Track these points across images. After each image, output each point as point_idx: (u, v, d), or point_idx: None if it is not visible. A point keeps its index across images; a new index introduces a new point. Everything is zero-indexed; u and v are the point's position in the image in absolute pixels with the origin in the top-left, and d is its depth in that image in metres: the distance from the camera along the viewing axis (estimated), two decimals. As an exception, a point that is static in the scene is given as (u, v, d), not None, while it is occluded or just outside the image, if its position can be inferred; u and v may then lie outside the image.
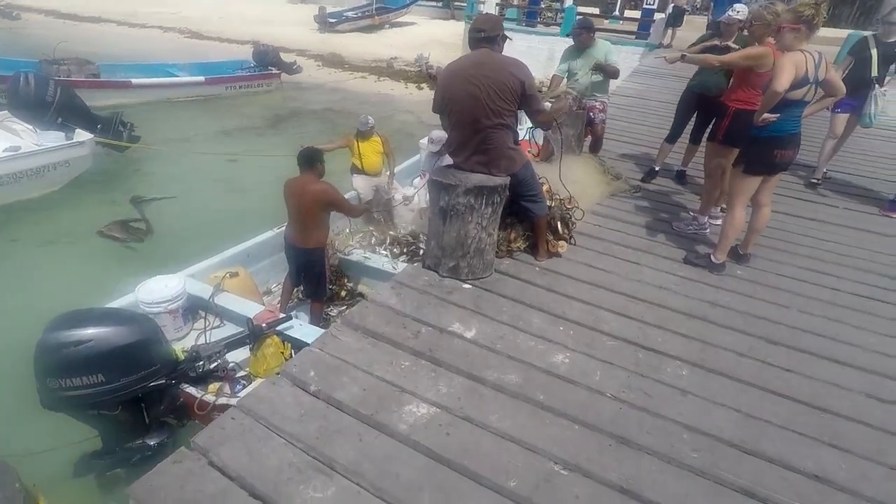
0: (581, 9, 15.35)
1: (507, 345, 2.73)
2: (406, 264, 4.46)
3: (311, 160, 3.70)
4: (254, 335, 3.17)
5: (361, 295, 4.75)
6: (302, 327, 3.35)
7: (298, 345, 3.30)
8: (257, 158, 7.74)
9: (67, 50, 10.85)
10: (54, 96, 6.26)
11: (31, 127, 6.27)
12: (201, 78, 11.67)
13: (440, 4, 26.85)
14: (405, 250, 5.31)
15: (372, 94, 13.96)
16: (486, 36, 2.96)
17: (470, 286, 3.23)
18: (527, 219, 3.53)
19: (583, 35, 4.79)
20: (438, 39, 19.48)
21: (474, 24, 3.05)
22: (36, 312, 4.20)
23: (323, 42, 18.73)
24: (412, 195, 5.78)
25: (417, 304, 3.01)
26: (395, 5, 22.99)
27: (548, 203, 3.56)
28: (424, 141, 6.38)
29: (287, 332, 3.30)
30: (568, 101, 5.04)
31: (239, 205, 6.21)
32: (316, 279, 3.97)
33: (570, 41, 5.16)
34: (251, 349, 3.25)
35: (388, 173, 5.85)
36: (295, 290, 4.28)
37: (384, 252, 5.27)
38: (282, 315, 3.37)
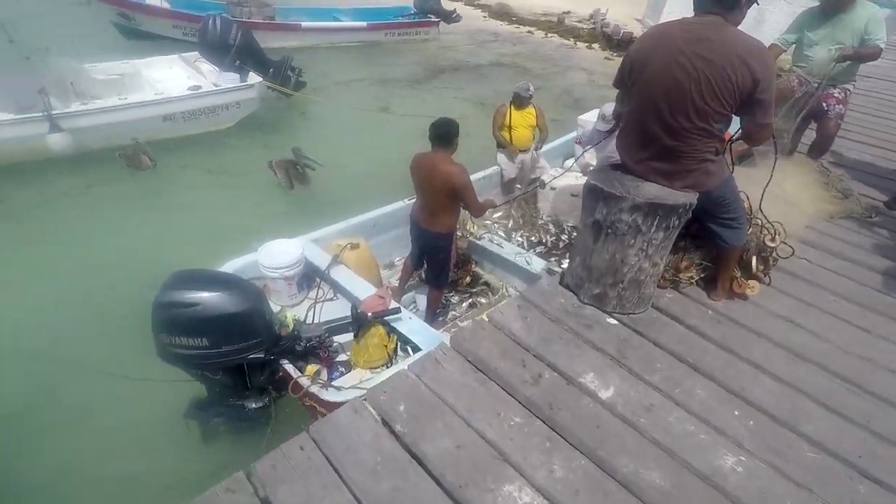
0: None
1: (655, 422, 2.03)
2: (542, 262, 3.87)
3: (446, 136, 3.18)
4: (358, 323, 2.93)
5: (487, 284, 4.32)
6: (411, 322, 3.01)
7: (404, 340, 3.01)
8: (411, 115, 7.56)
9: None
10: (235, 39, 6.57)
11: (214, 67, 6.76)
12: (363, 23, 11.66)
13: (629, -49, 23.83)
14: (544, 240, 4.72)
15: (541, 47, 12.94)
16: (726, 1, 2.04)
17: (616, 322, 2.53)
18: (708, 243, 2.66)
19: None
20: (619, -8, 17.32)
21: None
22: (186, 240, 4.62)
23: (493, -9, 17.80)
24: (559, 175, 5.05)
25: (546, 335, 2.42)
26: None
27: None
28: (586, 116, 5.49)
29: (394, 324, 2.99)
30: (791, 82, 3.82)
31: (382, 166, 6.08)
32: (439, 266, 3.57)
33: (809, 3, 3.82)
34: (355, 336, 3.02)
35: (536, 149, 5.16)
36: (415, 272, 3.95)
37: (520, 239, 4.72)
38: (391, 305, 3.04)
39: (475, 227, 4.37)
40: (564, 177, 5.03)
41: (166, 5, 9.73)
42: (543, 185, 4.57)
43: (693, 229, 2.60)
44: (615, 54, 12.47)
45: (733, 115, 2.11)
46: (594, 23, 13.83)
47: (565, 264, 4.44)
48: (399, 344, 3.08)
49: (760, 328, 2.57)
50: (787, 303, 2.75)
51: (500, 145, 5.01)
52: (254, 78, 6.65)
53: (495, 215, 4.92)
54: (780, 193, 3.27)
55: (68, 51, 5.71)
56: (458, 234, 4.05)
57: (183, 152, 6.08)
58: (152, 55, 7.10)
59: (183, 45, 8.72)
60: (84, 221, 4.87)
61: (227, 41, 6.50)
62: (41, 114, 5.06)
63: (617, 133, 2.48)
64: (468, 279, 4.30)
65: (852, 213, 3.57)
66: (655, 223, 2.25)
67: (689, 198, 2.24)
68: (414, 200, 3.60)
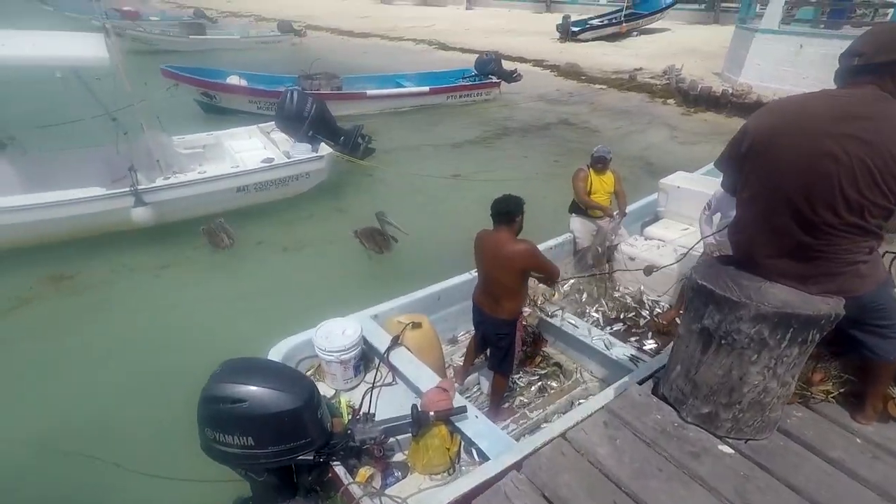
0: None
1: None
2: (624, 347, 3.43)
3: (507, 213, 2.93)
4: (418, 423, 2.61)
5: (559, 366, 3.88)
6: (478, 422, 2.65)
7: (468, 442, 2.64)
8: (480, 179, 7.44)
9: (325, 64, 12.44)
10: (310, 112, 6.89)
11: (288, 138, 7.10)
12: (426, 88, 11.97)
13: (701, 6, 23.45)
14: (622, 317, 4.28)
15: (614, 104, 12.65)
16: (872, 63, 1.64)
17: (732, 451, 2.03)
18: (851, 352, 2.12)
19: None
20: (694, 47, 16.89)
21: (867, 37, 1.72)
22: (253, 319, 4.55)
23: (562, 51, 18.01)
24: (639, 245, 4.59)
25: (640, 465, 1.97)
26: (648, 10, 20.86)
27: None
28: (669, 179, 5.05)
29: (459, 423, 2.64)
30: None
31: (452, 233, 5.94)
32: (503, 353, 3.22)
33: None
34: (413, 435, 2.69)
35: (615, 215, 4.76)
36: (479, 357, 3.61)
37: (595, 315, 4.27)
38: (455, 401, 2.71)
39: (547, 301, 4.00)
40: (644, 246, 4.60)
41: (244, 83, 10.56)
42: (650, 271, 3.98)
43: (832, 336, 2.08)
44: (692, 110, 11.94)
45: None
46: (668, 79, 13.43)
47: (648, 345, 3.99)
48: (463, 444, 2.72)
49: (934, 470, 1.95)
50: (967, 432, 2.11)
51: (586, 206, 4.62)
52: (324, 149, 6.85)
53: (565, 287, 4.52)
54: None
55: (157, 126, 6.10)
56: (527, 311, 3.70)
57: (256, 223, 6.24)
58: (230, 127, 7.55)
59: (259, 119, 9.24)
60: (152, 300, 4.96)
61: (301, 113, 6.81)
62: (128, 189, 5.39)
63: (731, 223, 2.07)
64: (538, 359, 3.90)
65: None
66: (788, 337, 1.79)
67: (835, 307, 1.76)
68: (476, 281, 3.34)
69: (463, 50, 18.43)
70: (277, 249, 5.88)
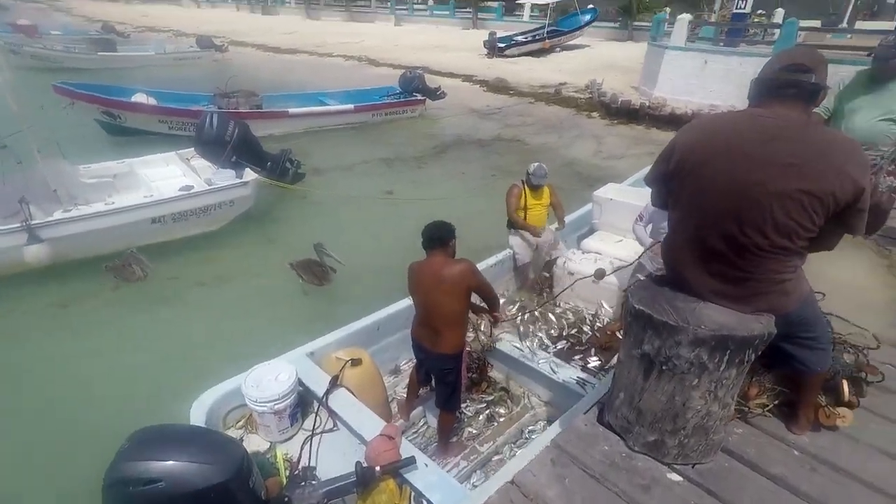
0: (802, 22, 12.46)
1: None
2: (570, 369, 3.40)
3: (439, 238, 2.83)
4: (363, 482, 2.37)
5: (505, 390, 3.78)
6: (428, 472, 2.43)
7: (420, 496, 2.42)
8: (415, 198, 7.31)
9: (250, 82, 11.96)
10: (232, 136, 6.38)
11: (210, 164, 6.60)
12: (351, 106, 11.79)
13: (616, 25, 24.93)
14: (565, 334, 4.25)
15: (543, 118, 12.99)
16: (807, 85, 1.64)
17: (680, 478, 1.98)
18: (782, 365, 2.15)
19: (893, 63, 3.15)
20: (612, 62, 17.86)
21: (786, 58, 1.70)
22: (171, 364, 4.13)
23: (489, 67, 18.44)
24: (577, 259, 4.63)
25: (593, 502, 1.87)
26: (568, 27, 21.88)
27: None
28: (602, 192, 5.15)
29: (407, 475, 2.43)
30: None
31: (387, 257, 5.74)
32: (449, 389, 3.06)
33: None
34: (358, 494, 2.46)
35: (557, 229, 4.77)
36: (423, 389, 3.44)
37: (539, 334, 4.22)
38: (403, 456, 2.49)
39: (488, 327, 3.90)
40: (582, 260, 4.63)
41: (152, 101, 9.86)
42: (601, 275, 3.97)
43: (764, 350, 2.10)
44: (615, 121, 12.53)
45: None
46: (591, 92, 14.06)
47: (592, 362, 3.97)
48: (413, 496, 2.51)
49: (860, 468, 2.00)
50: (893, 432, 2.19)
51: (516, 227, 4.63)
52: (249, 174, 6.44)
53: (508, 309, 4.45)
54: (838, 281, 2.81)
55: (56, 154, 5.54)
56: (470, 335, 3.58)
57: (175, 257, 5.76)
58: (141, 150, 6.97)
59: (171, 140, 8.72)
60: (51, 347, 4.41)
61: (222, 138, 6.33)
62: (19, 224, 4.79)
63: (663, 240, 2.04)
64: (484, 385, 3.78)
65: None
66: (726, 359, 1.76)
67: (767, 325, 1.76)
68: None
69: (393, 66, 18.41)
70: (200, 285, 5.44)
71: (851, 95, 3.32)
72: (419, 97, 12.79)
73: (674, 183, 1.84)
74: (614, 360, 3.92)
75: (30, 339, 4.50)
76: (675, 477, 1.99)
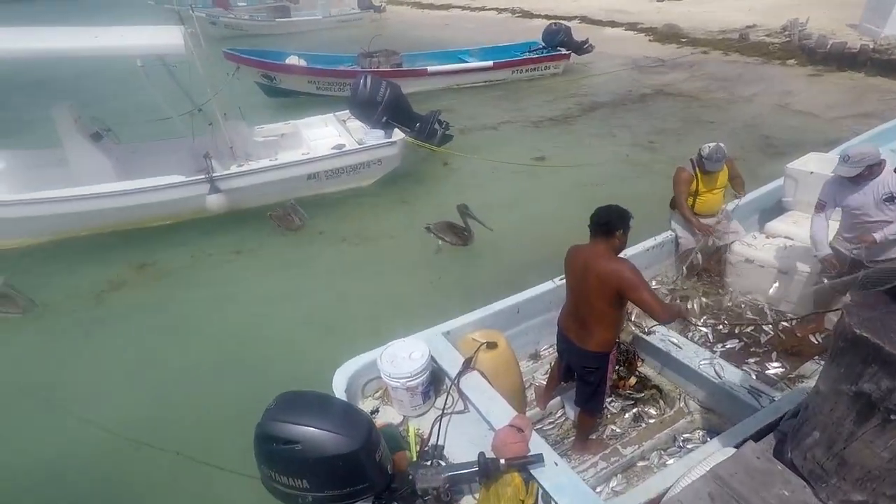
0: None
1: None
2: (738, 372, 2.92)
3: (606, 225, 2.45)
4: (486, 473, 2.29)
5: (658, 389, 3.34)
6: (557, 473, 2.24)
7: (547, 497, 2.26)
8: (566, 165, 6.85)
9: (406, 41, 12.16)
10: (383, 97, 6.59)
11: (362, 124, 6.92)
12: (489, 63, 11.39)
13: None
14: (737, 331, 3.65)
15: (716, 71, 11.16)
16: None
17: (891, 555, 1.51)
18: None
19: None
20: (823, -2, 14.50)
21: None
22: (325, 317, 4.45)
23: (659, 11, 16.35)
24: (759, 244, 3.86)
25: (759, 563, 1.52)
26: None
27: None
28: (797, 164, 4.20)
29: (535, 472, 2.28)
30: None
31: (534, 228, 5.48)
32: (591, 390, 2.78)
33: None
34: (481, 483, 2.39)
35: (727, 209, 4.03)
36: (563, 383, 3.20)
37: (704, 329, 3.69)
38: (531, 451, 2.34)
39: (643, 316, 3.45)
40: (764, 245, 3.87)
41: (303, 63, 10.53)
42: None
43: None
44: (822, 69, 10.18)
45: None
46: (789, 35, 11.61)
47: (773, 368, 3.33)
48: (540, 494, 2.37)
49: None
50: None
51: (686, 222, 3.97)
52: (397, 135, 6.59)
53: (664, 297, 3.92)
54: None
55: (237, 116, 6.18)
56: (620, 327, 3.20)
57: (328, 213, 6.19)
58: (293, 108, 7.56)
59: (318, 99, 9.31)
60: (225, 290, 5.02)
61: (374, 99, 6.55)
62: (203, 176, 5.51)
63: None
64: (633, 381, 3.33)
65: None
66: None
67: None
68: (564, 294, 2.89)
69: (548, 17, 17.30)
70: (351, 241, 5.77)
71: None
72: (564, 51, 11.92)
73: None
74: (803, 368, 3.29)
75: (209, 278, 5.21)
76: (886, 553, 1.52)
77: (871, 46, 9.67)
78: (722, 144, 3.67)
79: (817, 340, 3.45)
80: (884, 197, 2.94)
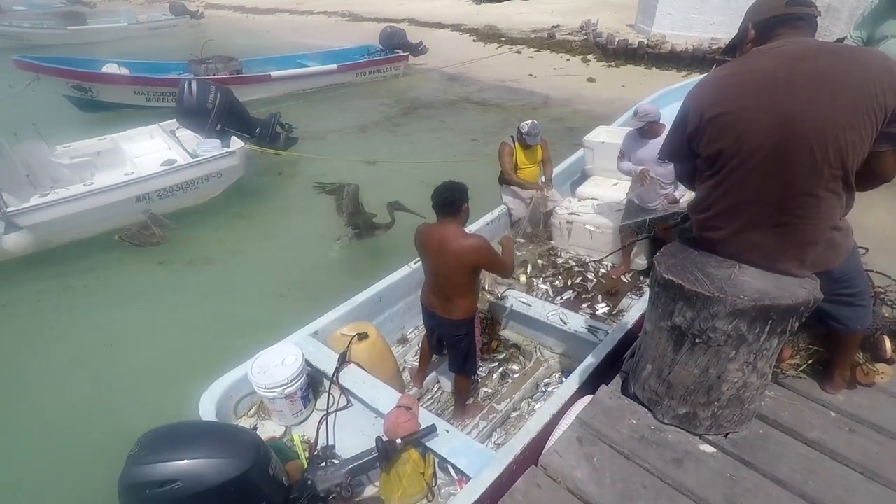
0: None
1: None
2: (579, 317, 3.34)
3: (451, 203, 2.61)
4: (385, 455, 2.31)
5: (517, 347, 3.72)
6: (450, 437, 2.39)
7: (444, 461, 2.39)
8: (398, 163, 7.05)
9: (231, 48, 11.37)
10: (214, 102, 6.05)
11: (195, 134, 6.27)
12: (334, 66, 11.27)
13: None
14: (570, 283, 4.15)
15: (531, 66, 12.43)
16: (813, 18, 1.56)
17: (713, 450, 1.89)
18: (818, 323, 2.02)
19: None
20: (609, 1, 16.96)
21: None
22: (178, 349, 4.02)
23: (479, 13, 17.56)
24: (574, 206, 4.48)
25: (624, 484, 1.79)
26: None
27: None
28: (592, 135, 5.00)
29: (429, 444, 2.38)
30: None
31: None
32: (464, 353, 2.97)
33: None
34: (382, 468, 2.40)
35: (542, 181, 4.60)
36: (435, 356, 3.35)
37: (543, 286, 4.13)
38: (422, 424, 2.43)
39: (493, 285, 3.78)
40: (578, 207, 4.50)
41: (125, 71, 9.35)
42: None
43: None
44: (612, 63, 11.97)
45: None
46: (586, 34, 13.39)
47: (600, 308, 3.85)
48: (437, 462, 2.47)
49: (908, 431, 1.91)
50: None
51: (510, 183, 4.46)
52: (236, 143, 6.12)
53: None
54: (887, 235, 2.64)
55: (32, 135, 5.25)
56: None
57: (171, 234, 5.56)
58: (116, 124, 6.64)
59: (147, 111, 8.31)
60: (51, 331, 4.31)
61: (204, 105, 6.00)
62: None
63: (690, 204, 1.87)
64: (495, 344, 3.71)
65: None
66: (767, 329, 1.62)
67: (812, 290, 1.61)
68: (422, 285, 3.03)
69: (377, 20, 17.50)
70: (188, 264, 5.24)
71: (881, 20, 3.04)
72: (402, 53, 12.24)
73: (698, 144, 1.67)
74: (622, 304, 3.90)
75: (25, 327, 4.40)
76: (708, 448, 1.89)
77: (647, 42, 11.62)
78: (537, 122, 4.21)
79: (626, 279, 4.11)
80: (659, 154, 3.59)
